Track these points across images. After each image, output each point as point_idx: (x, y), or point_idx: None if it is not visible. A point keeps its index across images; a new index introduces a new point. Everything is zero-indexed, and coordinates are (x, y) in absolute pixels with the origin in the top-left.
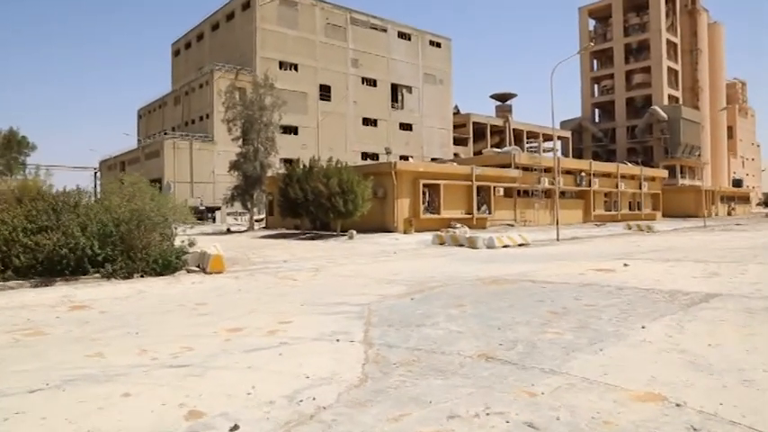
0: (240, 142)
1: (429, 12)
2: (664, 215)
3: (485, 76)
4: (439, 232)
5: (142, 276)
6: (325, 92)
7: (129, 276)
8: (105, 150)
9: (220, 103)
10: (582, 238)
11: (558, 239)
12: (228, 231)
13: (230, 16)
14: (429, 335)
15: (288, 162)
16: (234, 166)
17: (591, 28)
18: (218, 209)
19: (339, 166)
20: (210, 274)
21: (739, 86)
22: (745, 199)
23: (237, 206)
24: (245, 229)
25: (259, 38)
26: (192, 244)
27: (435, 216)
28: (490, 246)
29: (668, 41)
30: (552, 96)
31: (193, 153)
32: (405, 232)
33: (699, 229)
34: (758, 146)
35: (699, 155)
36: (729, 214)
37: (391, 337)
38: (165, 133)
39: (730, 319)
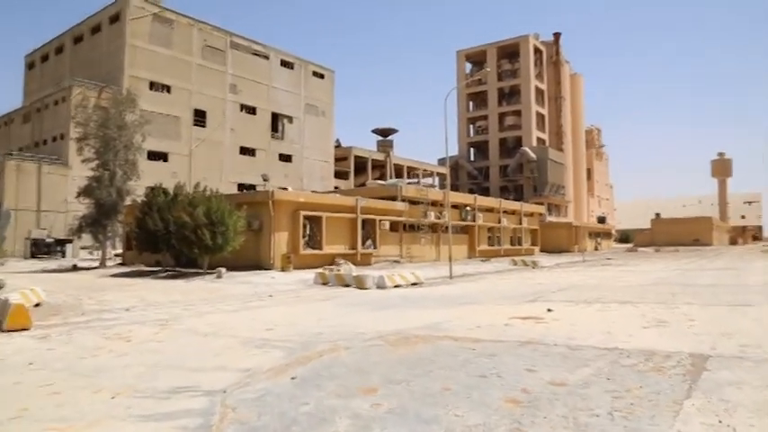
0: (95, 165)
1: (312, 43)
2: (540, 250)
3: (366, 111)
4: (322, 270)
5: None
6: (199, 117)
7: None
8: None
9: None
10: (473, 275)
11: (451, 277)
12: (75, 268)
13: (96, 29)
14: None
15: (152, 189)
16: (84, 191)
17: (468, 71)
18: (71, 242)
19: (208, 193)
20: (8, 332)
21: (596, 132)
22: (609, 235)
23: (90, 239)
24: (96, 265)
25: (128, 54)
26: None
27: (317, 251)
28: (381, 286)
29: (536, 88)
30: (446, 123)
31: (42, 177)
32: (283, 270)
33: (579, 263)
34: (611, 186)
35: (563, 194)
36: (596, 249)
37: None
38: (10, 154)
39: None
